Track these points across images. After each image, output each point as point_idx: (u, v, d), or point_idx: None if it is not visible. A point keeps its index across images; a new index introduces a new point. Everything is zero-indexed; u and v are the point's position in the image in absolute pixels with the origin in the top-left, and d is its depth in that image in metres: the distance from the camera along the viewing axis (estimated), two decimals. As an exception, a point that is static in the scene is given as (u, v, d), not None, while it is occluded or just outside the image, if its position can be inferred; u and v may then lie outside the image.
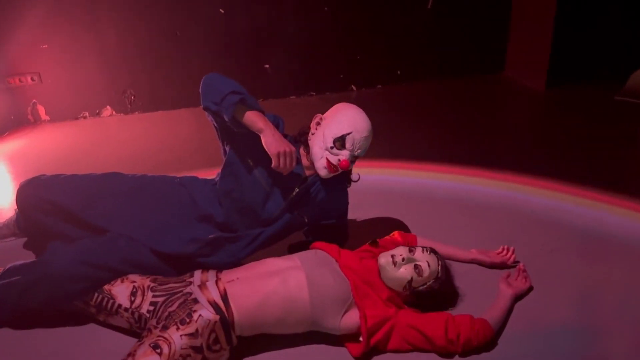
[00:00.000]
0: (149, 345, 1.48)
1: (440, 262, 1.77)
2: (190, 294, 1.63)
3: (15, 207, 2.05)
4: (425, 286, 1.73)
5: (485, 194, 2.72)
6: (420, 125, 3.82)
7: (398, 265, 1.72)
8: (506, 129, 3.77)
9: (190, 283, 1.68)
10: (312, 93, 4.38)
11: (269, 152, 1.73)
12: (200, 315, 1.56)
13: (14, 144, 3.78)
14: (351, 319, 1.65)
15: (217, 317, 1.56)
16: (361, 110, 1.94)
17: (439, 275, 1.74)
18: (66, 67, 4.01)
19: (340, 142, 1.85)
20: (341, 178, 2.00)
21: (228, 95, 1.76)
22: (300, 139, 1.99)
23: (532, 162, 3.10)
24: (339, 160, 1.85)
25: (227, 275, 1.70)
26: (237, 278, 1.67)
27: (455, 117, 3.97)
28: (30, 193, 1.95)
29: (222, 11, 4.13)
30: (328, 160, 1.86)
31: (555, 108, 4.09)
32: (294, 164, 1.76)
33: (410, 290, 1.72)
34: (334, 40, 4.40)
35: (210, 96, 1.81)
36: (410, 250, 1.75)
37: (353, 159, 1.89)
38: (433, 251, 1.79)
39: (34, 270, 1.73)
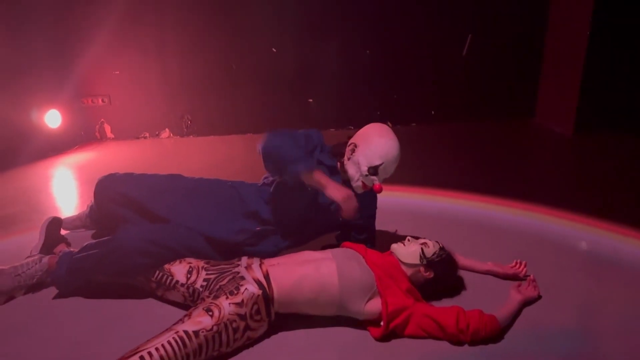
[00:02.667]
0: (203, 309, 1.76)
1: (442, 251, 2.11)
2: (238, 272, 1.91)
3: (92, 198, 2.42)
4: (436, 255, 2.03)
5: (505, 219, 2.92)
6: (451, 161, 4.05)
7: (406, 244, 2.07)
8: (531, 167, 3.96)
9: (238, 265, 1.97)
10: (350, 127, 4.72)
11: (336, 201, 1.97)
12: (246, 288, 1.83)
13: (82, 157, 4.23)
14: (374, 305, 1.89)
15: (260, 291, 1.83)
16: (390, 136, 2.17)
17: (442, 245, 2.08)
18: (133, 91, 4.50)
19: (373, 170, 2.14)
20: None
21: (289, 165, 2.00)
22: (337, 158, 2.28)
23: (554, 195, 3.27)
24: (373, 183, 2.15)
25: (269, 260, 1.99)
26: (278, 263, 1.95)
27: (484, 156, 4.18)
28: (107, 185, 2.32)
29: (275, 50, 4.56)
30: (364, 183, 2.16)
31: (582, 151, 4.25)
32: (356, 204, 1.99)
33: (426, 261, 2.02)
34: (373, 79, 4.77)
35: (272, 165, 2.07)
36: (419, 238, 2.12)
37: (383, 180, 2.19)
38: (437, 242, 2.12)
39: (108, 244, 2.05)
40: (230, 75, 4.57)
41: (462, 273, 2.26)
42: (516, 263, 2.31)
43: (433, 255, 2.04)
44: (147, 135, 4.63)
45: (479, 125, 4.91)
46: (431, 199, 3.27)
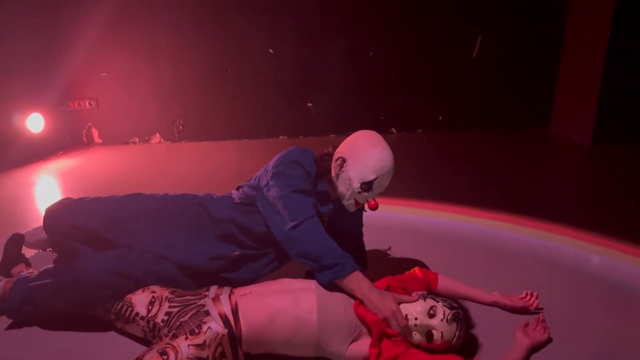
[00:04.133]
0: (157, 351, 1.51)
1: (457, 334, 1.62)
2: (203, 306, 1.66)
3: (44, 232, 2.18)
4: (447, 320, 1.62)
5: (515, 240, 2.65)
6: (458, 171, 3.79)
7: (411, 328, 1.62)
8: (547, 180, 3.68)
9: (206, 296, 1.71)
10: (351, 133, 4.45)
11: (381, 317, 1.63)
12: (209, 327, 1.57)
13: (67, 163, 4.02)
14: (358, 348, 1.61)
15: (225, 330, 1.57)
16: (382, 145, 1.85)
17: (452, 344, 1.63)
18: (122, 94, 4.28)
19: (366, 186, 1.85)
20: None
21: (326, 271, 1.70)
22: (323, 178, 1.98)
23: (572, 211, 3.02)
24: (367, 200, 1.87)
25: (240, 289, 1.72)
26: (250, 292, 1.69)
27: (495, 167, 3.92)
28: (56, 216, 2.03)
29: (271, 51, 4.32)
30: (356, 201, 1.88)
31: (601, 163, 3.97)
32: (405, 321, 1.63)
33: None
34: (376, 83, 4.51)
35: (303, 255, 1.74)
36: (430, 311, 1.62)
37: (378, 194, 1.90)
38: (456, 318, 1.62)
39: (66, 274, 1.81)
40: (225, 78, 4.34)
41: (464, 304, 1.98)
42: (526, 294, 2.02)
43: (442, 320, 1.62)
44: (137, 140, 4.41)
45: (490, 133, 4.64)
46: (434, 215, 3.02)
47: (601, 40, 3.99)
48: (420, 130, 4.68)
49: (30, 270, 2.12)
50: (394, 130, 4.65)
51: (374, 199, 1.85)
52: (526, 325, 1.80)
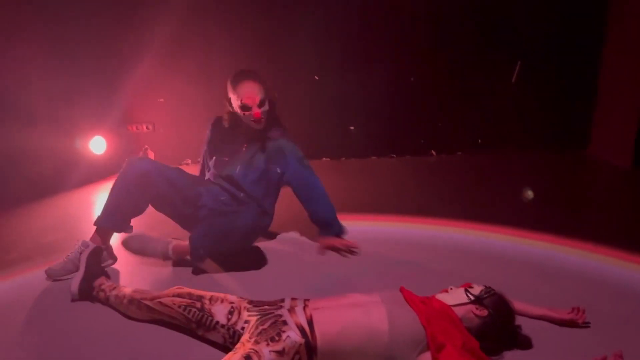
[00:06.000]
0: (242, 355, 1.66)
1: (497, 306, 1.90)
2: (281, 316, 1.80)
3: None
4: (484, 292, 1.90)
5: (558, 259, 2.72)
6: (498, 193, 3.88)
7: (450, 291, 1.96)
8: (587, 202, 3.74)
9: (282, 307, 1.86)
10: (392, 155, 4.61)
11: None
12: (288, 336, 1.72)
13: (125, 182, 4.26)
14: (426, 358, 1.74)
15: (303, 340, 1.72)
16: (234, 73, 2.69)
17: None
18: (176, 119, 4.55)
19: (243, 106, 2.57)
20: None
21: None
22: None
23: (614, 233, 3.05)
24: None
25: (313, 303, 1.87)
26: (323, 307, 1.83)
27: (535, 188, 3.92)
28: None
29: (317, 78, 4.53)
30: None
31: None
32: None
33: (474, 298, 1.87)
34: (416, 107, 4.67)
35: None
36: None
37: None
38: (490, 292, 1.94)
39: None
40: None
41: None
42: (573, 309, 2.11)
43: (481, 292, 1.91)
44: (189, 161, 4.65)
45: (529, 155, 4.72)
46: (477, 235, 3.10)
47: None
48: (460, 153, 4.80)
49: (110, 283, 2.32)
50: (434, 153, 4.78)
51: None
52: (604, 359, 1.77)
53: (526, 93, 4.65)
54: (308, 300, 1.90)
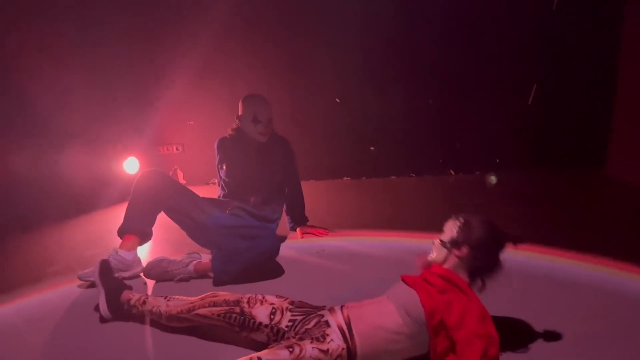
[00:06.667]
0: (285, 345, 1.76)
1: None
2: (323, 316, 1.90)
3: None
4: (456, 231, 1.96)
5: (578, 274, 2.76)
6: (517, 212, 3.91)
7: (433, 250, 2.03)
8: (606, 220, 3.75)
9: (323, 308, 1.97)
10: (411, 174, 4.74)
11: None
12: (332, 339, 1.80)
13: (156, 201, 4.48)
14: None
15: (345, 345, 1.80)
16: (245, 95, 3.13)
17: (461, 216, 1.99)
18: (205, 141, 4.72)
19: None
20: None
21: None
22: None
23: (634, 250, 3.05)
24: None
25: (349, 304, 1.96)
26: (356, 307, 1.93)
27: (554, 207, 4.04)
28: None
29: (338, 100, 4.72)
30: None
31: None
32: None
33: (450, 244, 1.95)
34: (435, 128, 4.80)
35: None
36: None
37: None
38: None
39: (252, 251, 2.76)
40: (295, 124, 4.75)
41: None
42: None
43: (452, 234, 1.96)
44: (216, 181, 4.85)
45: (546, 174, 4.79)
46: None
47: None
48: (478, 172, 4.90)
49: (139, 295, 2.33)
50: (452, 172, 4.89)
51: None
52: None
53: (543, 113, 4.75)
54: (344, 304, 1.97)
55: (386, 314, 1.86)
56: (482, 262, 1.91)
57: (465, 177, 4.85)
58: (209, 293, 2.14)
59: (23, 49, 4.07)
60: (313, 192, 4.53)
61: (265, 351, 1.73)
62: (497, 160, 4.87)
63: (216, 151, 3.18)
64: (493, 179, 2.08)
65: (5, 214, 3.89)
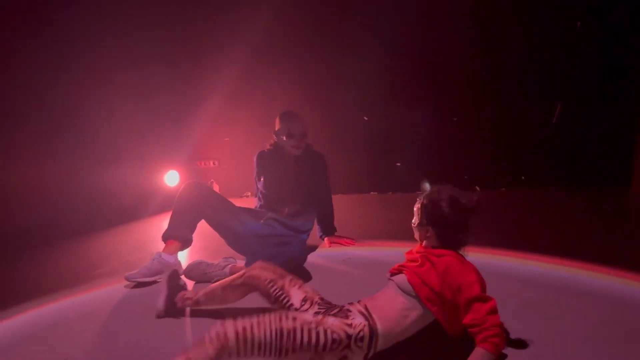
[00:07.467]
0: (311, 313, 1.93)
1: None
2: (344, 306, 2.04)
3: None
4: (422, 212, 2.05)
5: (599, 285, 2.79)
6: (543, 227, 3.98)
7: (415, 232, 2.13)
8: (630, 236, 3.80)
9: (344, 305, 2.09)
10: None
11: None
12: (354, 317, 1.93)
13: (193, 212, 4.75)
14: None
15: (366, 322, 1.93)
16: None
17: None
18: (239, 155, 5.04)
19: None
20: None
21: None
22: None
23: None
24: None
25: (365, 299, 2.09)
26: (372, 298, 2.08)
27: (579, 224, 4.06)
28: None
29: (366, 118, 4.92)
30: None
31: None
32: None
33: (418, 224, 2.08)
34: (461, 145, 4.94)
35: None
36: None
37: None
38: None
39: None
40: (326, 140, 4.93)
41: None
42: None
43: (416, 217, 2.08)
44: (249, 194, 5.11)
45: (572, 193, 4.84)
46: (517, 261, 3.21)
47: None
48: (503, 189, 4.99)
49: (190, 293, 2.52)
50: (477, 188, 5.00)
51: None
52: None
53: (569, 131, 4.84)
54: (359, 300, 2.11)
55: (392, 298, 2.04)
56: (450, 235, 2.02)
57: (490, 193, 4.93)
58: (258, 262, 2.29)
59: (77, 72, 4.45)
60: (341, 205, 4.68)
61: (290, 312, 1.88)
62: (523, 178, 4.96)
63: (255, 164, 3.37)
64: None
65: (58, 221, 4.21)
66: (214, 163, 5.09)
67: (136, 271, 2.94)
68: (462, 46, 4.82)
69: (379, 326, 1.96)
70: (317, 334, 1.81)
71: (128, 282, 2.96)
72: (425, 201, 2.07)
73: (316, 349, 1.81)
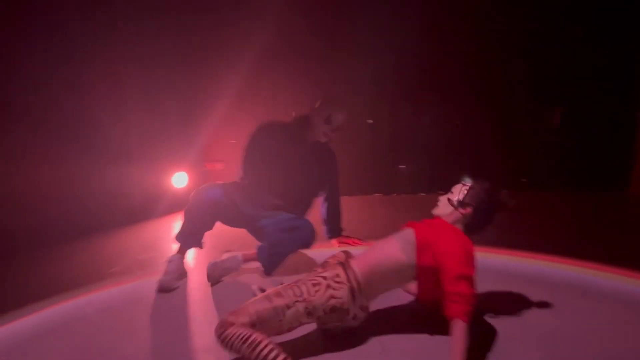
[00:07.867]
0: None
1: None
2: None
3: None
4: (463, 194, 2.30)
5: (599, 283, 2.91)
6: (544, 229, 4.06)
7: (439, 203, 2.36)
8: (632, 237, 3.88)
9: None
10: (440, 192, 4.94)
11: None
12: (328, 265, 2.18)
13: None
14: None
15: (340, 265, 2.13)
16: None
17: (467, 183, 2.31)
18: (246, 157, 5.13)
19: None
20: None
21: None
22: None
23: None
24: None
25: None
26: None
27: (580, 225, 4.14)
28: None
29: (371, 121, 5.02)
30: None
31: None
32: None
33: (457, 202, 2.29)
34: (463, 147, 5.03)
35: None
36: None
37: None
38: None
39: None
40: (331, 143, 5.05)
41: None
42: None
43: (460, 195, 2.29)
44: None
45: (572, 195, 4.93)
46: (519, 260, 3.32)
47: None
48: (504, 191, 5.06)
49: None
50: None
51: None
52: None
53: (569, 133, 4.93)
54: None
55: (386, 240, 2.24)
56: (480, 220, 2.29)
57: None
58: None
59: (89, 77, 4.56)
60: (345, 207, 4.76)
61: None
62: (522, 180, 5.05)
63: (258, 135, 3.39)
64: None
65: (71, 222, 4.32)
66: (221, 165, 5.20)
67: (166, 277, 2.98)
68: (468, 52, 4.91)
69: (352, 262, 2.17)
70: (299, 286, 2.04)
71: (139, 279, 3.07)
72: (474, 184, 2.33)
73: (304, 298, 2.01)
